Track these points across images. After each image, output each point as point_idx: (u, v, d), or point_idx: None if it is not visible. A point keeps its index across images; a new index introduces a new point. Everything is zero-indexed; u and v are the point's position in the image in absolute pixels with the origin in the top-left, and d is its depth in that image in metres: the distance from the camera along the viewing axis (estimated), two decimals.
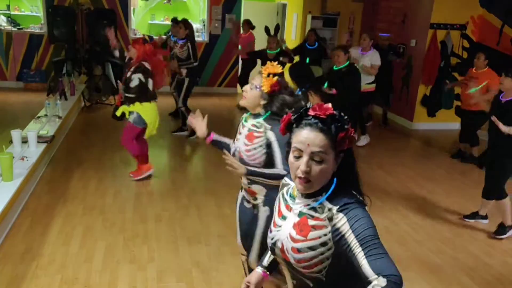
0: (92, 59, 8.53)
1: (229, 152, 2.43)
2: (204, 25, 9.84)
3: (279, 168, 2.28)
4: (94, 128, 6.90)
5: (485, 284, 3.37)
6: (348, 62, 5.35)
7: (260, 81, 2.33)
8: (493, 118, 3.84)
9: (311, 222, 1.38)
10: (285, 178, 1.60)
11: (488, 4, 7.36)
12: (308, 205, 1.41)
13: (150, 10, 9.91)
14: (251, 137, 2.36)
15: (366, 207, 1.37)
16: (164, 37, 8.16)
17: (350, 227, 1.29)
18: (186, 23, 6.43)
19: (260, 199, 2.43)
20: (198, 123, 2.57)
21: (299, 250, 1.40)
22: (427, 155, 6.63)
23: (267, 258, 1.74)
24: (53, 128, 5.36)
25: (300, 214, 1.42)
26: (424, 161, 6.25)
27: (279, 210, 1.53)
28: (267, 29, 7.58)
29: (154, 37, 9.50)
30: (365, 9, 9.51)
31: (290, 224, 1.45)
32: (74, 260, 3.31)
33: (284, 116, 1.41)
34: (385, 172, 5.60)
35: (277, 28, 7.87)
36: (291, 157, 1.38)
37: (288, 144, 1.41)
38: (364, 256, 1.24)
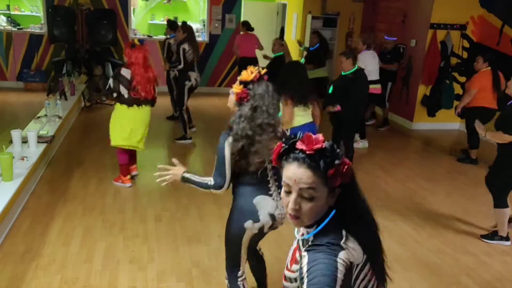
0: (92, 59, 8.54)
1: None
2: (204, 25, 9.85)
3: (209, 178, 2.32)
4: (94, 128, 6.90)
5: (485, 284, 3.37)
6: (356, 67, 5.09)
7: (234, 88, 2.31)
8: (476, 121, 3.83)
9: (297, 254, 1.36)
10: None
11: (488, 4, 7.36)
12: (303, 235, 1.35)
13: (150, 10, 9.91)
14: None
15: (342, 252, 1.22)
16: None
17: (307, 270, 1.21)
18: (184, 26, 6.44)
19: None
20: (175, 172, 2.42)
21: (285, 278, 1.40)
22: (427, 155, 6.63)
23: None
24: (53, 128, 5.37)
25: (298, 242, 1.39)
26: (424, 161, 6.25)
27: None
28: (282, 31, 7.55)
29: (154, 37, 9.55)
30: (365, 9, 9.51)
31: (292, 250, 1.44)
32: (74, 260, 3.32)
33: (275, 146, 1.32)
34: (385, 172, 5.60)
35: (282, 31, 7.86)
36: (282, 192, 1.31)
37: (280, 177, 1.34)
38: None
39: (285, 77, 4.13)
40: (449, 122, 7.82)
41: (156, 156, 5.75)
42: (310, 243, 1.28)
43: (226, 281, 2.54)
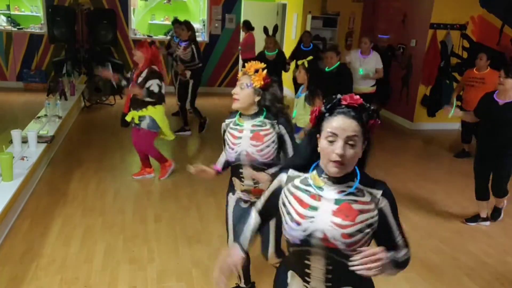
0: (92, 59, 8.54)
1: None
2: (204, 25, 9.85)
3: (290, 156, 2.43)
4: (94, 128, 6.90)
5: (485, 284, 3.37)
6: (338, 63, 5.28)
7: (248, 80, 2.37)
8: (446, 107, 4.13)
9: (356, 206, 1.46)
10: (291, 171, 1.61)
11: (488, 4, 7.36)
12: (343, 191, 1.48)
13: (150, 10, 9.91)
14: (259, 137, 2.40)
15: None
16: (168, 37, 8.20)
17: (391, 211, 1.52)
18: (188, 25, 6.45)
19: None
20: (205, 173, 2.63)
21: (350, 235, 1.45)
22: (427, 155, 6.63)
23: (246, 243, 1.76)
24: (53, 128, 5.37)
25: (338, 201, 1.47)
26: (424, 161, 6.25)
27: (302, 201, 1.53)
28: (265, 30, 7.55)
29: (154, 37, 9.56)
30: (365, 9, 9.51)
31: (327, 212, 1.47)
32: (74, 261, 3.32)
33: (313, 108, 1.51)
34: (384, 172, 5.60)
35: (275, 28, 7.84)
36: (324, 143, 1.44)
37: (315, 132, 1.50)
38: (399, 235, 1.53)
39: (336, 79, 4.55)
40: (449, 122, 7.81)
41: None
42: (356, 191, 1.49)
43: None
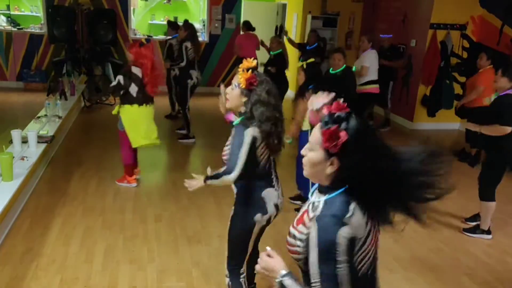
0: (92, 59, 8.53)
1: None
2: (204, 25, 9.85)
3: (227, 166, 2.31)
4: (94, 128, 6.90)
5: (485, 284, 3.37)
6: (344, 66, 5.22)
7: (238, 79, 2.32)
8: (467, 123, 3.88)
9: (305, 216, 1.44)
10: None
11: (488, 4, 7.36)
12: (314, 201, 1.46)
13: (150, 10, 9.91)
14: (232, 135, 2.37)
15: (344, 227, 1.30)
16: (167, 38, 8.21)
17: (316, 244, 1.32)
18: (185, 24, 6.47)
19: (234, 197, 2.50)
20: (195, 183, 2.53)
21: (289, 234, 1.48)
22: None
23: None
24: (53, 128, 5.36)
25: (309, 205, 1.48)
26: None
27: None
28: (277, 29, 7.54)
29: (154, 37, 9.55)
30: (365, 9, 9.51)
31: (302, 211, 1.51)
32: (74, 260, 3.32)
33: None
34: None
35: (280, 28, 7.83)
36: None
37: None
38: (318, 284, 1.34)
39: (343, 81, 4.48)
40: (449, 122, 7.82)
41: (156, 155, 5.75)
42: (319, 211, 1.38)
43: (227, 279, 2.53)
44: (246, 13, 9.96)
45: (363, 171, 1.32)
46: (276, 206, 2.44)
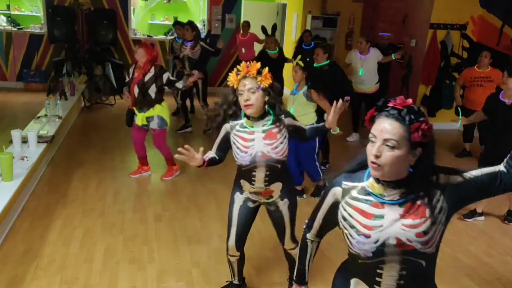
0: (92, 59, 8.54)
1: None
2: (204, 25, 9.84)
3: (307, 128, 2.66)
4: (94, 128, 6.90)
5: (485, 284, 3.37)
6: (328, 61, 5.36)
7: (254, 82, 2.36)
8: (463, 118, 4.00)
9: (419, 202, 1.44)
10: (344, 182, 1.56)
11: (488, 4, 7.36)
12: (404, 193, 1.44)
13: (150, 10, 9.91)
14: (272, 135, 2.45)
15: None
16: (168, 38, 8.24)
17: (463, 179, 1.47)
18: (192, 25, 6.51)
19: (277, 194, 2.58)
20: (193, 158, 2.43)
21: (425, 233, 1.43)
22: None
23: (307, 273, 1.82)
24: (53, 128, 5.36)
25: (401, 204, 1.45)
26: None
27: (365, 213, 1.48)
28: (264, 29, 7.56)
29: (154, 37, 9.56)
30: (365, 9, 9.51)
31: (394, 217, 1.44)
32: (74, 261, 3.31)
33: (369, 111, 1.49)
34: None
35: (274, 27, 7.83)
36: (368, 145, 1.44)
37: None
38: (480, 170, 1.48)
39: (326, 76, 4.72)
40: (449, 122, 7.78)
41: (156, 155, 5.74)
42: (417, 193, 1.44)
43: (296, 248, 2.47)
44: (246, 13, 9.96)
45: (433, 152, 1.44)
46: None
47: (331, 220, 1.59)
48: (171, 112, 7.40)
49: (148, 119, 4.66)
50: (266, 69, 2.39)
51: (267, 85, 2.37)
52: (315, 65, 5.39)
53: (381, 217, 1.45)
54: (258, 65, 2.38)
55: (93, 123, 7.19)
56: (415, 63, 7.80)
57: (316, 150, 4.48)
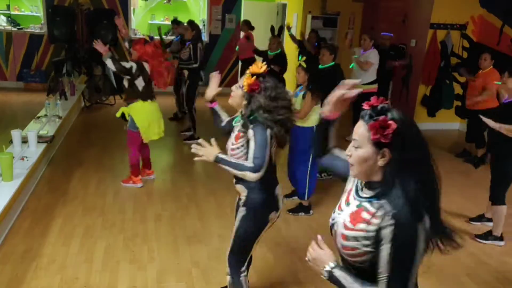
0: (92, 59, 8.53)
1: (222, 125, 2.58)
2: (204, 25, 9.85)
3: (247, 161, 2.28)
4: (94, 128, 6.90)
5: (484, 284, 3.37)
6: (333, 62, 5.26)
7: (243, 81, 2.37)
8: (485, 119, 3.78)
9: (364, 214, 1.42)
10: None
11: (488, 4, 7.36)
12: (367, 197, 1.45)
13: (150, 10, 9.91)
14: (237, 137, 2.41)
15: (420, 224, 1.32)
16: (168, 38, 8.18)
17: (391, 239, 1.32)
18: (192, 24, 6.44)
19: (243, 198, 2.45)
20: (207, 152, 2.35)
21: (346, 238, 1.45)
22: None
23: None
24: (53, 128, 5.36)
25: (359, 205, 1.47)
26: None
27: (348, 195, 1.57)
28: (272, 29, 7.54)
29: (155, 37, 9.54)
30: (365, 9, 9.51)
31: (348, 211, 1.50)
32: (74, 260, 3.31)
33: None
34: None
35: (281, 29, 7.82)
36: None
37: None
38: (386, 277, 1.34)
39: (329, 78, 4.43)
40: (449, 122, 7.82)
41: (156, 155, 5.74)
42: (387, 207, 1.35)
43: (228, 277, 2.54)
44: (246, 13, 9.96)
45: (415, 159, 1.36)
46: (282, 201, 2.50)
47: None
48: (169, 118, 7.38)
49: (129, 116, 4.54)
50: (253, 78, 2.30)
51: (245, 89, 2.32)
52: (320, 66, 5.29)
53: (348, 204, 1.53)
54: (258, 69, 2.33)
55: (93, 123, 7.19)
56: (415, 63, 7.80)
57: (310, 158, 4.17)
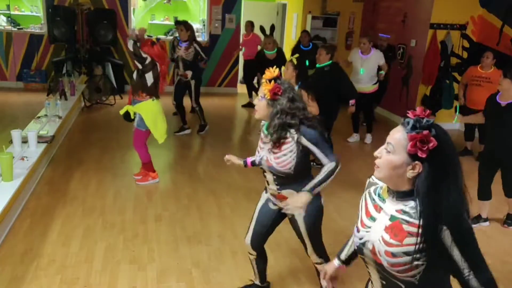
0: (92, 59, 8.54)
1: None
2: (204, 25, 9.84)
3: (325, 164, 2.37)
4: (94, 128, 6.90)
5: None
6: (330, 61, 5.33)
7: (263, 90, 2.38)
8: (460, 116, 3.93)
9: (406, 227, 1.38)
10: (372, 177, 1.61)
11: (488, 4, 7.36)
12: (401, 209, 1.41)
13: (150, 10, 9.91)
14: (280, 146, 2.40)
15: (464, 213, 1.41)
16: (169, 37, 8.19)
17: (452, 240, 1.35)
18: (187, 25, 6.44)
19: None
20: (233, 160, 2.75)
21: (393, 255, 1.40)
22: None
23: (346, 252, 1.81)
24: (53, 128, 5.36)
25: (393, 218, 1.43)
26: None
27: (367, 209, 1.53)
28: (262, 29, 7.54)
29: (154, 37, 9.54)
30: (365, 9, 9.51)
31: (381, 226, 1.45)
32: (74, 261, 3.32)
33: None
34: None
35: (272, 28, 7.84)
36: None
37: None
38: (471, 273, 1.37)
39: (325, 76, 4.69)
40: (449, 122, 7.81)
41: (156, 155, 5.74)
42: (412, 212, 1.37)
43: (323, 264, 2.55)
44: (246, 13, 9.96)
45: (447, 177, 1.34)
46: None
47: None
48: (173, 113, 7.41)
49: (135, 114, 4.54)
50: (271, 82, 2.34)
51: (268, 97, 2.35)
52: (317, 65, 5.38)
53: (374, 219, 1.49)
54: (272, 74, 2.35)
55: (93, 123, 7.18)
56: (415, 63, 7.80)
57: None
